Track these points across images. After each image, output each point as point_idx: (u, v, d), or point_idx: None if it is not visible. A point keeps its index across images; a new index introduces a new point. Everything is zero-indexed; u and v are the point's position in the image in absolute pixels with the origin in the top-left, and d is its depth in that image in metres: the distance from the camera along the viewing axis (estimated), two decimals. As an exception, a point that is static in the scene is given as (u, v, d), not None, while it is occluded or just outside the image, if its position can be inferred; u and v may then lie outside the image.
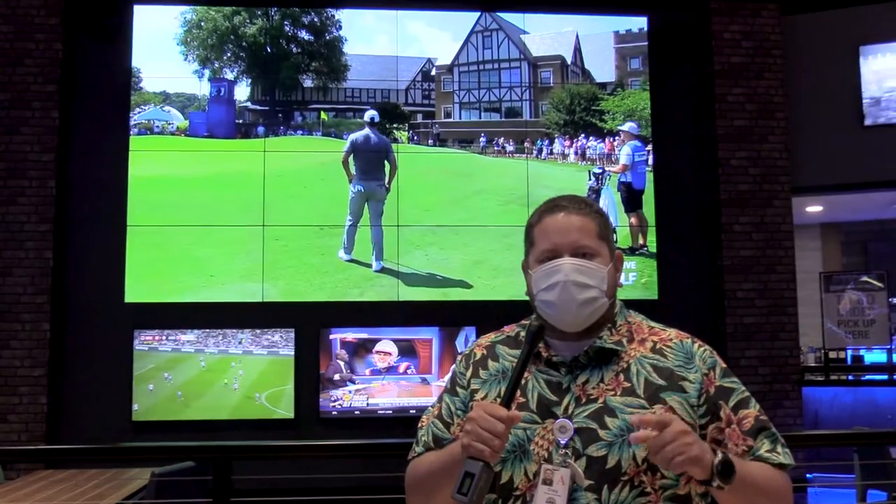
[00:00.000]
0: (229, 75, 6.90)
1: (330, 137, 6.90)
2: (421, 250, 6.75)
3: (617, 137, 7.03)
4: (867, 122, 6.98)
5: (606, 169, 6.99)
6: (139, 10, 6.72)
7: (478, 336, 2.68)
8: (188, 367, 6.32)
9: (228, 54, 6.90)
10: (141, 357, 6.28)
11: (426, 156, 6.99)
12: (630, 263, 6.77)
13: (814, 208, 9.06)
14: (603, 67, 7.22)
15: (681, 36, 7.12)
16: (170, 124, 6.77)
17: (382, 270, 6.66)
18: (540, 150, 7.02)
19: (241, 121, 6.85)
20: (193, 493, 3.80)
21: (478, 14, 7.12)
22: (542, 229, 1.53)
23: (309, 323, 6.42)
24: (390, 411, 6.40)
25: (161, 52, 6.76)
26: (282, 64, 6.94)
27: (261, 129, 6.83)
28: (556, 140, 7.06)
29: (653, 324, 1.57)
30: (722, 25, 6.98)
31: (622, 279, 1.89)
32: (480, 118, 7.13)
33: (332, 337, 6.43)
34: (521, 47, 7.16)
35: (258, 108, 6.91)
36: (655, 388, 1.44)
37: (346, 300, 6.57)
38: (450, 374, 1.65)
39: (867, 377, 7.67)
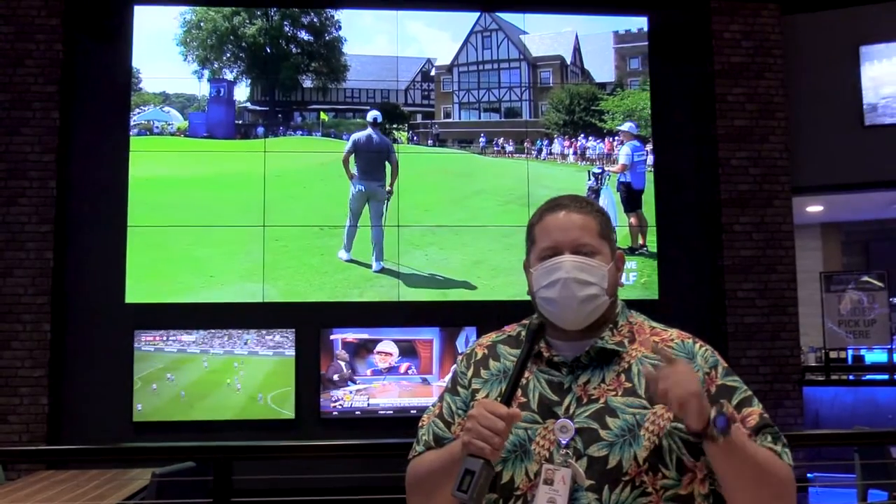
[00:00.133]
0: (229, 76, 6.90)
1: (330, 138, 6.90)
2: (420, 250, 6.75)
3: (616, 137, 7.04)
4: (867, 123, 6.98)
5: (606, 169, 6.99)
6: (139, 11, 6.72)
7: (478, 336, 2.68)
8: (193, 368, 6.33)
9: (228, 55, 6.90)
10: (147, 358, 6.28)
11: (426, 156, 6.99)
12: (630, 263, 6.77)
13: (814, 208, 9.06)
14: (602, 67, 7.22)
15: (681, 36, 7.12)
16: (169, 125, 6.77)
17: (382, 271, 6.66)
18: (539, 151, 7.02)
19: (240, 121, 6.85)
20: (194, 494, 3.80)
21: (477, 14, 7.12)
22: (543, 227, 1.53)
23: (309, 323, 6.42)
24: (391, 411, 6.40)
25: (161, 53, 6.76)
26: (281, 64, 6.94)
27: (260, 130, 6.83)
28: (556, 140, 7.06)
29: (654, 324, 1.57)
30: (722, 25, 6.98)
31: (623, 279, 1.89)
32: (480, 118, 7.13)
33: (333, 337, 6.43)
34: (520, 47, 7.16)
35: (258, 108, 6.91)
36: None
37: (347, 300, 6.57)
38: (451, 374, 1.65)
39: (868, 377, 7.66)
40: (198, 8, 6.85)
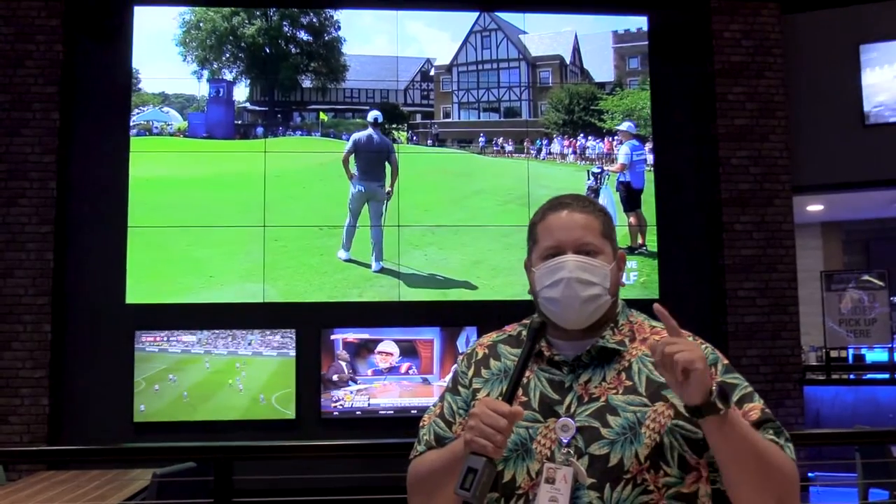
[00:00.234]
0: (228, 76, 6.89)
1: (329, 138, 6.90)
2: (420, 250, 6.75)
3: (615, 137, 7.03)
4: (868, 122, 6.98)
5: (605, 168, 6.99)
6: (139, 12, 6.72)
7: (479, 336, 2.67)
8: (195, 369, 6.32)
9: (227, 55, 6.90)
10: (151, 358, 6.27)
11: (425, 156, 6.98)
12: (630, 263, 6.77)
13: (815, 207, 9.05)
14: (602, 67, 7.22)
15: (681, 35, 7.12)
16: (169, 125, 6.77)
17: (382, 271, 6.66)
18: (539, 150, 7.02)
19: (240, 121, 6.85)
20: (195, 494, 3.80)
21: (477, 14, 7.12)
22: (545, 227, 1.53)
23: (310, 323, 6.42)
24: (391, 411, 6.39)
25: (160, 53, 6.76)
26: (281, 64, 6.94)
27: (260, 130, 6.83)
28: (555, 140, 7.05)
29: (654, 323, 1.56)
30: (722, 24, 6.98)
31: (624, 278, 1.89)
32: (479, 118, 7.13)
33: (333, 337, 6.43)
34: (520, 47, 7.16)
35: (257, 108, 6.91)
36: (657, 385, 1.44)
37: (347, 300, 6.57)
38: (451, 374, 1.65)
39: (868, 376, 7.65)
40: (197, 8, 6.85)
